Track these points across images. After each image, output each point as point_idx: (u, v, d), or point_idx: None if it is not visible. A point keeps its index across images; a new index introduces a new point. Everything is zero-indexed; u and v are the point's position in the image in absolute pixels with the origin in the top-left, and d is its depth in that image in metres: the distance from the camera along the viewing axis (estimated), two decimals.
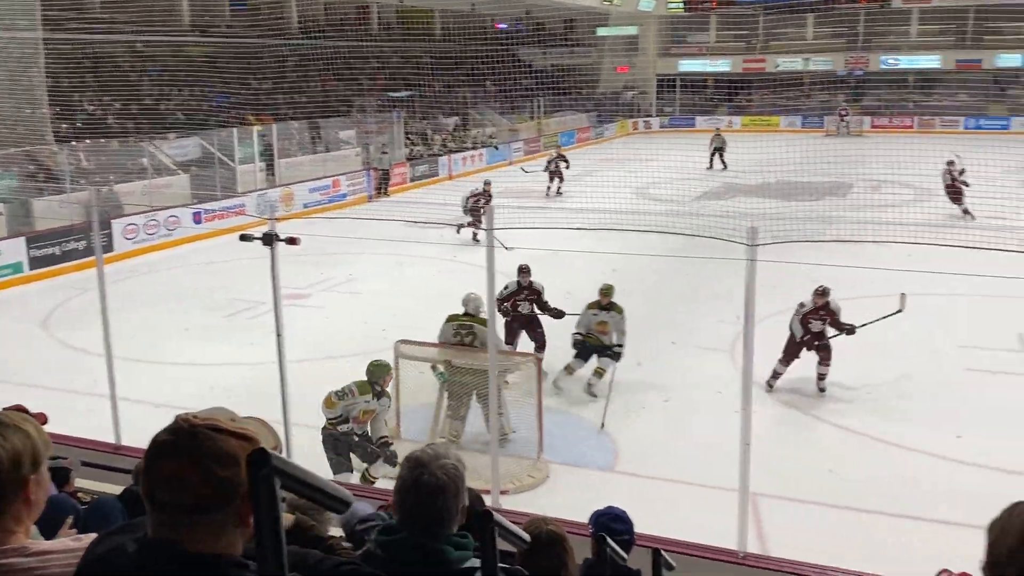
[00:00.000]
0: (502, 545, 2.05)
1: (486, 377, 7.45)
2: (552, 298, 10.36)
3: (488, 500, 6.36)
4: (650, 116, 42.14)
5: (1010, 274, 11.05)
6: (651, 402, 9.35)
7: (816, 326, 9.38)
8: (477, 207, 16.47)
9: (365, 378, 7.43)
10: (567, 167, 24.10)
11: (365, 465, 7.47)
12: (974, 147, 23.34)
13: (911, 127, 35.54)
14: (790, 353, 9.44)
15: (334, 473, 7.27)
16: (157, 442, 1.31)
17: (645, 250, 12.19)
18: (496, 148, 31.09)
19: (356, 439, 7.35)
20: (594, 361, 9.72)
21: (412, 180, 26.12)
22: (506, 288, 9.97)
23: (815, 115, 38.10)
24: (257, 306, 12.58)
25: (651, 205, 19.27)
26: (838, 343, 9.67)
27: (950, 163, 19.90)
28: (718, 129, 27.68)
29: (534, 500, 7.24)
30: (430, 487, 1.97)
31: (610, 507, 3.79)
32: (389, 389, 7.73)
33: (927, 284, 12.29)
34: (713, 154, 27.45)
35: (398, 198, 23.47)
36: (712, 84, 42.03)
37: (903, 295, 8.99)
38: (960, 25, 38.40)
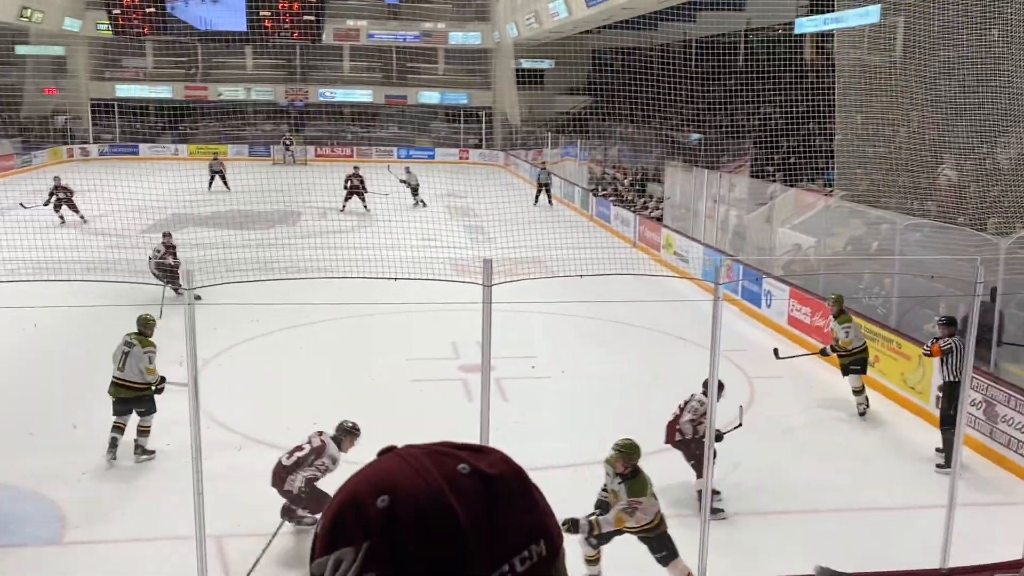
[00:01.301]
0: None
1: None
2: None
3: None
4: (87, 143, 39.06)
5: (441, 293, 12.46)
6: (94, 462, 8.56)
7: None
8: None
9: None
10: (71, 194, 22.33)
11: None
12: (401, 175, 25.89)
13: (351, 156, 38.08)
14: None
15: None
16: None
17: (69, 299, 10.77)
18: None
19: None
20: None
21: None
22: None
23: (261, 143, 38.85)
24: None
25: (94, 239, 17.85)
26: (292, 376, 9.85)
27: (356, 167, 23.95)
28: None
29: None
30: None
31: None
32: None
33: (373, 307, 13.30)
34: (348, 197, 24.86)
35: None
36: (154, 111, 40.38)
37: (740, 407, 8.21)
38: (386, 63, 42.22)
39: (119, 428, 8.56)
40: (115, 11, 30.00)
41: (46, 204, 21.95)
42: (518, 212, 20.00)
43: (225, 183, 27.16)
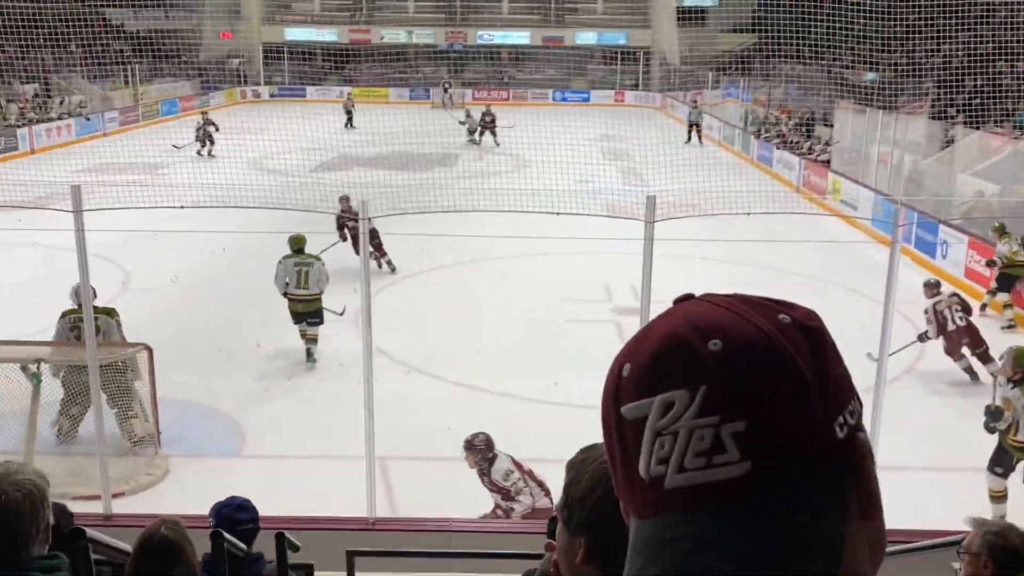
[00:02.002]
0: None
1: (107, 373, 6.90)
2: (159, 283, 9.71)
3: (100, 506, 5.86)
4: (259, 85, 40.89)
5: (595, 234, 12.44)
6: (275, 382, 9.19)
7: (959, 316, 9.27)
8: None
9: None
10: (216, 131, 23.86)
11: None
12: (559, 117, 25.79)
13: (507, 99, 38.20)
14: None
15: None
16: None
17: (259, 227, 11.72)
18: (87, 119, 28.28)
19: None
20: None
21: None
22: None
23: (422, 87, 39.50)
24: None
25: (267, 178, 18.79)
26: (452, 311, 10.15)
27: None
28: (488, 107, 27.92)
29: (155, 499, 6.81)
30: (2, 509, 1.76)
31: (231, 497, 3.66)
32: None
33: (529, 246, 13.42)
34: (482, 132, 27.02)
35: None
36: (321, 54, 41.75)
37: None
38: (544, 3, 41.91)
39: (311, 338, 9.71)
40: None
41: (197, 140, 23.61)
42: (674, 155, 19.62)
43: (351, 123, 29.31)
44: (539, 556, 1.62)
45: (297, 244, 9.76)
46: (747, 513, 0.60)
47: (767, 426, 0.60)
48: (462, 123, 27.31)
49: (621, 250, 12.96)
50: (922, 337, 9.37)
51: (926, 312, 9.34)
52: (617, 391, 0.66)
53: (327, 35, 41.64)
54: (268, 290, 10.65)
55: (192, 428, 8.15)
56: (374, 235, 11.26)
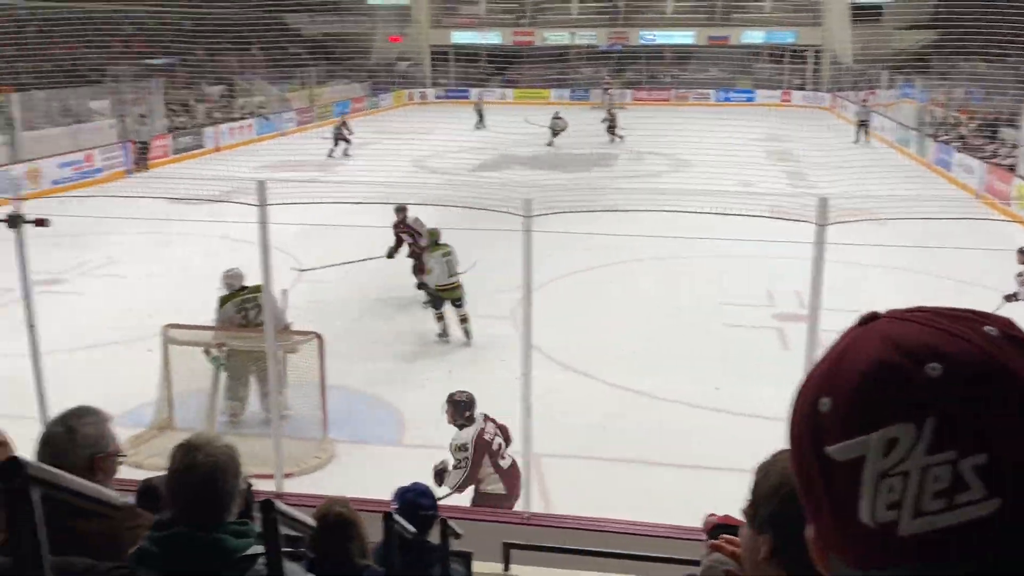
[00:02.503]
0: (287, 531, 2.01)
1: (261, 355, 7.29)
2: (331, 275, 10.17)
3: (272, 485, 6.20)
4: (425, 87, 42.13)
5: (757, 237, 12.07)
6: (436, 373, 9.44)
7: None
8: None
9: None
10: (351, 134, 24.81)
11: None
12: (722, 117, 25.28)
13: (668, 100, 37.71)
14: None
15: None
16: None
17: (426, 223, 12.19)
18: (267, 119, 29.98)
19: None
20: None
21: (175, 152, 24.67)
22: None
23: (582, 88, 39.59)
24: (2, 295, 11.48)
25: (430, 177, 19.34)
26: (611, 310, 10.14)
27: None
28: (557, 113, 28.20)
29: (321, 481, 7.12)
30: (206, 468, 1.90)
31: (415, 483, 3.79)
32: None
33: (687, 248, 13.22)
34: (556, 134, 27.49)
35: (159, 172, 22.10)
36: (485, 56, 42.58)
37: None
38: (710, 2, 41.14)
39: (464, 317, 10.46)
40: None
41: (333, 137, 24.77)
42: (844, 157, 18.82)
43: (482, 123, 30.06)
44: (696, 563, 1.60)
45: (435, 236, 10.54)
46: (1002, 555, 0.54)
47: (1011, 455, 0.54)
48: (550, 127, 27.22)
49: (784, 254, 12.61)
50: (1009, 297, 10.02)
51: (1019, 275, 10.02)
52: (816, 429, 0.59)
53: (491, 37, 42.41)
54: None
55: (356, 415, 8.50)
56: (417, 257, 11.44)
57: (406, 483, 3.80)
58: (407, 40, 42.42)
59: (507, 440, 6.26)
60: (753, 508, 1.24)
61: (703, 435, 7.87)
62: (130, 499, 2.08)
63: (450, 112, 32.94)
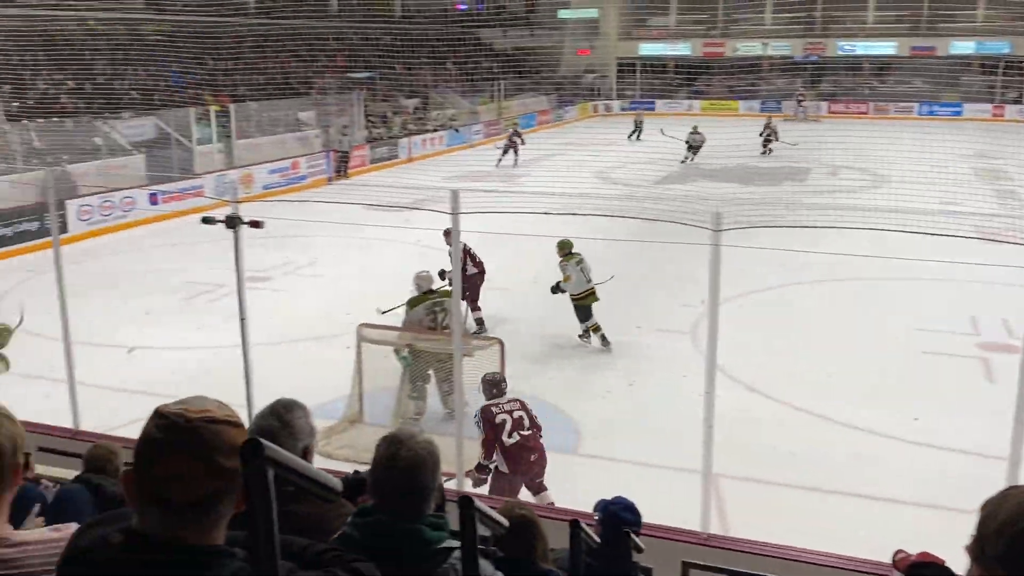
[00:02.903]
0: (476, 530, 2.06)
1: (446, 357, 7.54)
2: (518, 285, 10.35)
3: (454, 484, 6.37)
4: (610, 99, 42.22)
5: (961, 259, 11.31)
6: (615, 385, 9.42)
7: None
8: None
9: None
10: (523, 143, 25.67)
11: None
12: (926, 132, 23.79)
13: (866, 113, 35.99)
14: None
15: None
16: (153, 439, 1.26)
17: (607, 234, 12.26)
18: (456, 131, 30.97)
19: None
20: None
21: (372, 162, 25.92)
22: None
23: (773, 100, 38.46)
24: (216, 289, 12.44)
25: (613, 189, 19.34)
26: (799, 331, 9.75)
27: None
28: (695, 127, 27.66)
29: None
30: (408, 461, 1.99)
31: (618, 497, 3.79)
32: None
33: (883, 269, 12.57)
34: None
35: (358, 180, 23.28)
36: (672, 68, 42.19)
37: None
38: (915, 12, 38.95)
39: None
40: None
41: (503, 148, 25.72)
42: None
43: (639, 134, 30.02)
44: None
45: (567, 247, 10.63)
46: None
47: None
48: (686, 141, 26.20)
49: (990, 278, 11.75)
50: None
51: None
52: None
53: (680, 49, 41.98)
54: (608, 296, 10.98)
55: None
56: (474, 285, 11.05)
57: (609, 496, 3.80)
58: (595, 53, 42.70)
59: (524, 424, 6.65)
60: (979, 545, 1.22)
61: (897, 467, 7.44)
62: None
63: (632, 124, 32.79)
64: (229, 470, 1.24)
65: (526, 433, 6.61)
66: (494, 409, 6.63)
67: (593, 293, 10.56)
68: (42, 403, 7.88)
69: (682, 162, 25.07)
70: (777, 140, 26.66)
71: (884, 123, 28.02)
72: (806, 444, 7.91)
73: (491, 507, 2.35)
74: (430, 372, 8.46)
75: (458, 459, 6.58)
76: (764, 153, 26.29)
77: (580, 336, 10.64)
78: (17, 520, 2.14)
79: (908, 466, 7.46)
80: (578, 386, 9.27)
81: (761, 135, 26.85)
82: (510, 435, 6.56)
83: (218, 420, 1.27)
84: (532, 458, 6.61)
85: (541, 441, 6.73)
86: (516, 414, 6.64)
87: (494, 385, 6.85)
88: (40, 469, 4.31)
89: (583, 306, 10.52)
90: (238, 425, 1.28)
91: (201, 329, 11.13)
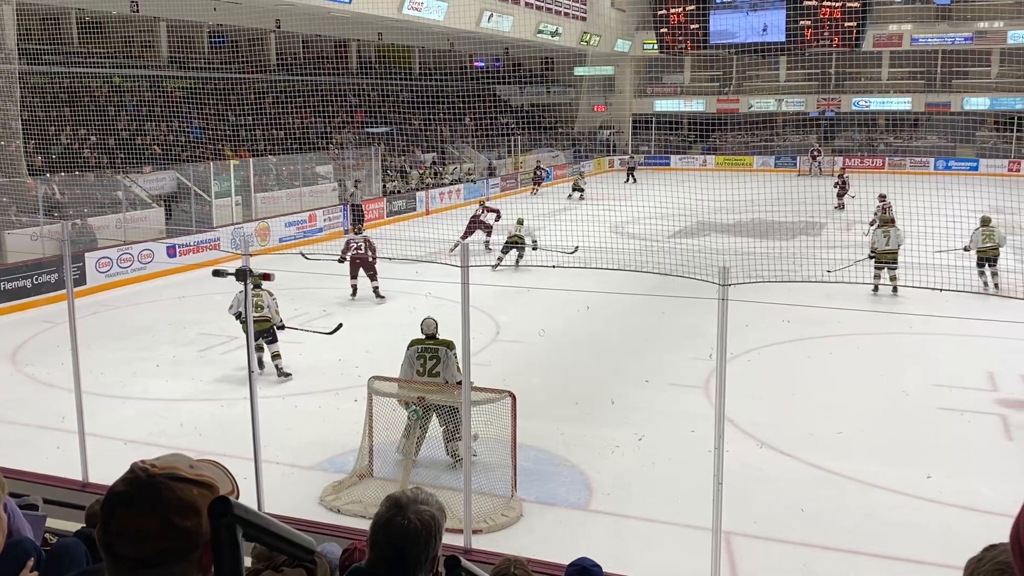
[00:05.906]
0: None
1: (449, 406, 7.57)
2: (526, 336, 10.32)
3: (460, 540, 6.31)
4: (626, 155, 42.59)
5: (977, 315, 11.23)
6: (625, 439, 9.34)
7: None
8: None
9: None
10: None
11: None
12: (942, 187, 23.76)
13: (882, 168, 36.06)
14: None
15: None
16: (113, 492, 1.25)
17: (619, 288, 12.27)
18: (473, 182, 31.26)
19: None
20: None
21: (389, 215, 26.16)
22: None
23: (788, 155, 38.65)
24: (230, 341, 12.50)
25: (626, 242, 19.36)
26: (813, 385, 9.66)
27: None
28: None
29: (508, 540, 7.17)
30: (400, 531, 1.95)
31: (582, 558, 3.78)
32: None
33: (897, 323, 12.49)
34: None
35: (373, 233, 23.46)
36: (687, 124, 42.57)
37: None
38: (929, 68, 39.24)
39: None
40: (663, 30, 32.34)
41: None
42: None
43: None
44: None
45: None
46: None
47: None
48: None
49: (1007, 334, 11.63)
50: None
51: None
52: None
53: (695, 105, 42.40)
54: (622, 348, 10.95)
55: (545, 475, 8.53)
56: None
57: (585, 553, 3.78)
58: (610, 109, 43.17)
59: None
60: None
61: (910, 526, 7.31)
62: (326, 547, 2.18)
63: (650, 178, 33.00)
64: (183, 529, 1.22)
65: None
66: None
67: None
68: (54, 455, 7.89)
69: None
70: (847, 194, 27.60)
71: (902, 177, 28.00)
72: (819, 502, 7.79)
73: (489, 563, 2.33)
74: (431, 420, 8.45)
75: (466, 515, 6.52)
76: (838, 208, 27.19)
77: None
78: (10, 574, 2.14)
79: (921, 525, 7.33)
80: (588, 441, 9.19)
81: (836, 186, 27.98)
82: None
83: (182, 478, 1.25)
84: None
85: None
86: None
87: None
88: (48, 523, 4.31)
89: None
90: (207, 486, 1.27)
91: (212, 381, 11.17)
